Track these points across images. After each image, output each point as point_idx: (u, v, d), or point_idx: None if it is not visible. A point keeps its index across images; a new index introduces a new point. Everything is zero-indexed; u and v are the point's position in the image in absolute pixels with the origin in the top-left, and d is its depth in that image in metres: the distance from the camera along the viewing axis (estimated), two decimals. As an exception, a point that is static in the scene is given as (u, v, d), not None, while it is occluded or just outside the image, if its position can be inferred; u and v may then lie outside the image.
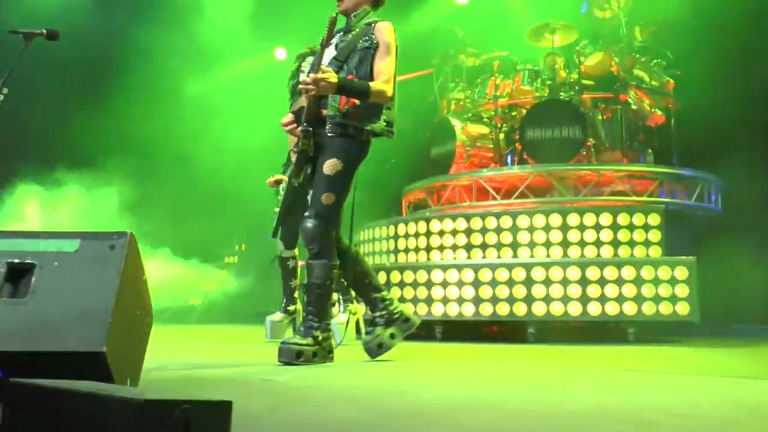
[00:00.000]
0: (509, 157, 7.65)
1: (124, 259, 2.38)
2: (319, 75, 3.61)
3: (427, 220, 6.52)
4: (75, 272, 2.35)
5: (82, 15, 9.83)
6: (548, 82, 7.45)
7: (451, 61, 8.28)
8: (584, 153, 7.05)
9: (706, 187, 7.11)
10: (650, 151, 7.34)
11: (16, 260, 2.38)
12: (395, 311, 4.01)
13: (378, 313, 4.01)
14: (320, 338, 3.73)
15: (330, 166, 3.73)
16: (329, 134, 3.77)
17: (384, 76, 3.75)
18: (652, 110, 7.54)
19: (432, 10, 9.49)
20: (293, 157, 3.85)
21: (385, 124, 3.82)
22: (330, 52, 3.88)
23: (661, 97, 7.63)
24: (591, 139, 7.10)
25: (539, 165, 6.97)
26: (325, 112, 3.81)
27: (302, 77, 4.26)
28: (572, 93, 7.30)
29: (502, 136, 7.65)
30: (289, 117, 4.00)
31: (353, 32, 3.88)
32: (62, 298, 2.29)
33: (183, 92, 10.59)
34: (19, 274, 2.36)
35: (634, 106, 7.41)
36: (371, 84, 3.71)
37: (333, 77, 3.62)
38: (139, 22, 10.05)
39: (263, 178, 5.95)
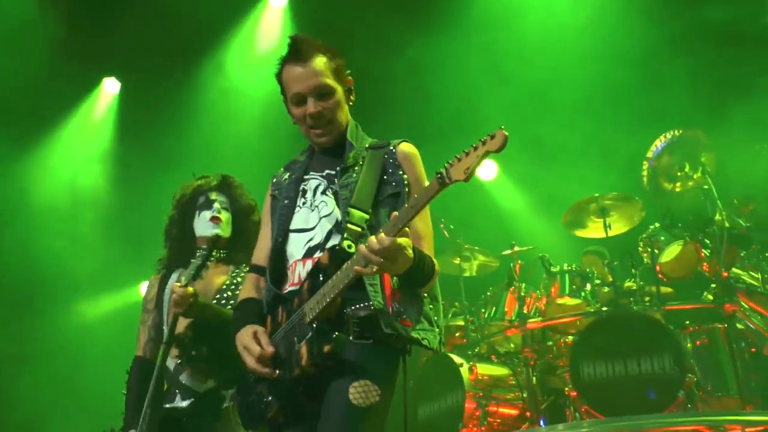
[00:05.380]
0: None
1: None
2: (399, 240, 2.05)
3: None
4: None
5: None
6: (605, 290, 4.88)
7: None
8: (681, 398, 4.33)
9: None
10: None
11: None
12: None
13: None
14: None
15: (362, 391, 2.15)
16: (356, 341, 2.24)
17: (427, 242, 2.34)
18: (771, 329, 4.90)
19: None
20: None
21: (436, 330, 2.32)
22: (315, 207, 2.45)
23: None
24: (690, 375, 4.36)
25: (614, 419, 4.21)
26: (354, 308, 2.26)
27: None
28: (646, 304, 4.61)
29: (535, 379, 4.85)
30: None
31: (356, 165, 2.43)
32: None
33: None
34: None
35: (740, 325, 4.72)
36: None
37: (410, 246, 2.14)
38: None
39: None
